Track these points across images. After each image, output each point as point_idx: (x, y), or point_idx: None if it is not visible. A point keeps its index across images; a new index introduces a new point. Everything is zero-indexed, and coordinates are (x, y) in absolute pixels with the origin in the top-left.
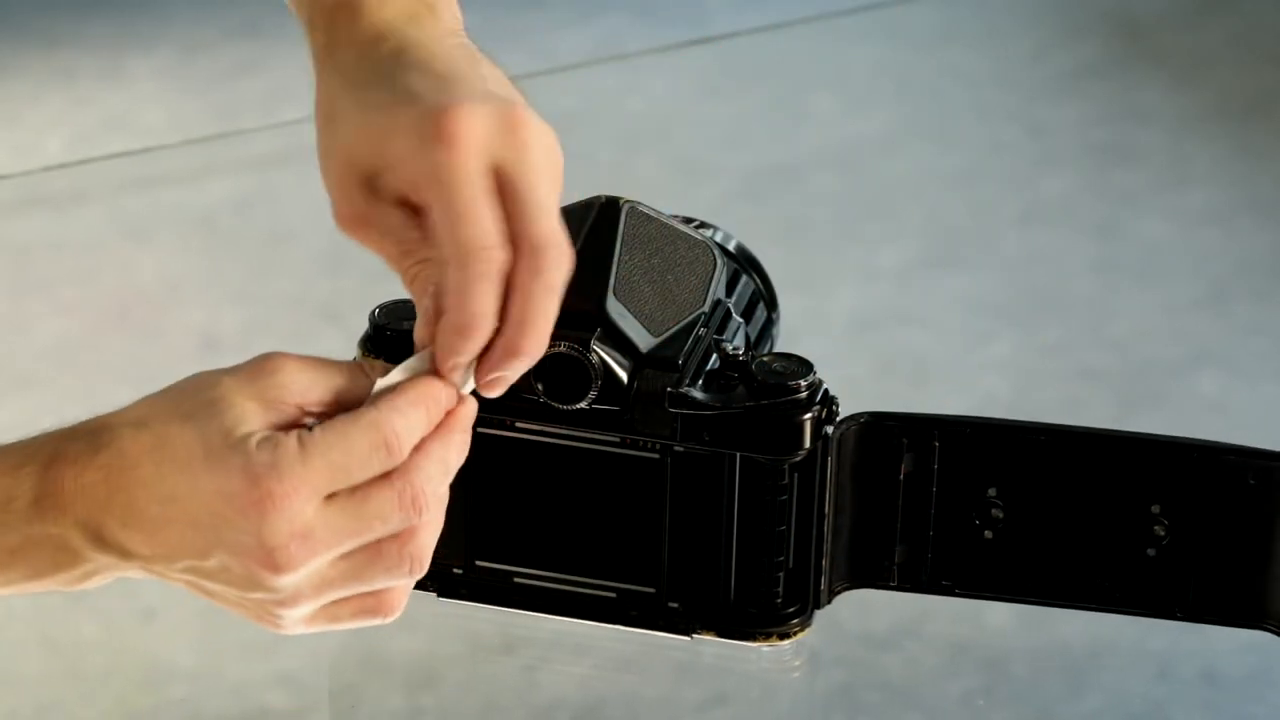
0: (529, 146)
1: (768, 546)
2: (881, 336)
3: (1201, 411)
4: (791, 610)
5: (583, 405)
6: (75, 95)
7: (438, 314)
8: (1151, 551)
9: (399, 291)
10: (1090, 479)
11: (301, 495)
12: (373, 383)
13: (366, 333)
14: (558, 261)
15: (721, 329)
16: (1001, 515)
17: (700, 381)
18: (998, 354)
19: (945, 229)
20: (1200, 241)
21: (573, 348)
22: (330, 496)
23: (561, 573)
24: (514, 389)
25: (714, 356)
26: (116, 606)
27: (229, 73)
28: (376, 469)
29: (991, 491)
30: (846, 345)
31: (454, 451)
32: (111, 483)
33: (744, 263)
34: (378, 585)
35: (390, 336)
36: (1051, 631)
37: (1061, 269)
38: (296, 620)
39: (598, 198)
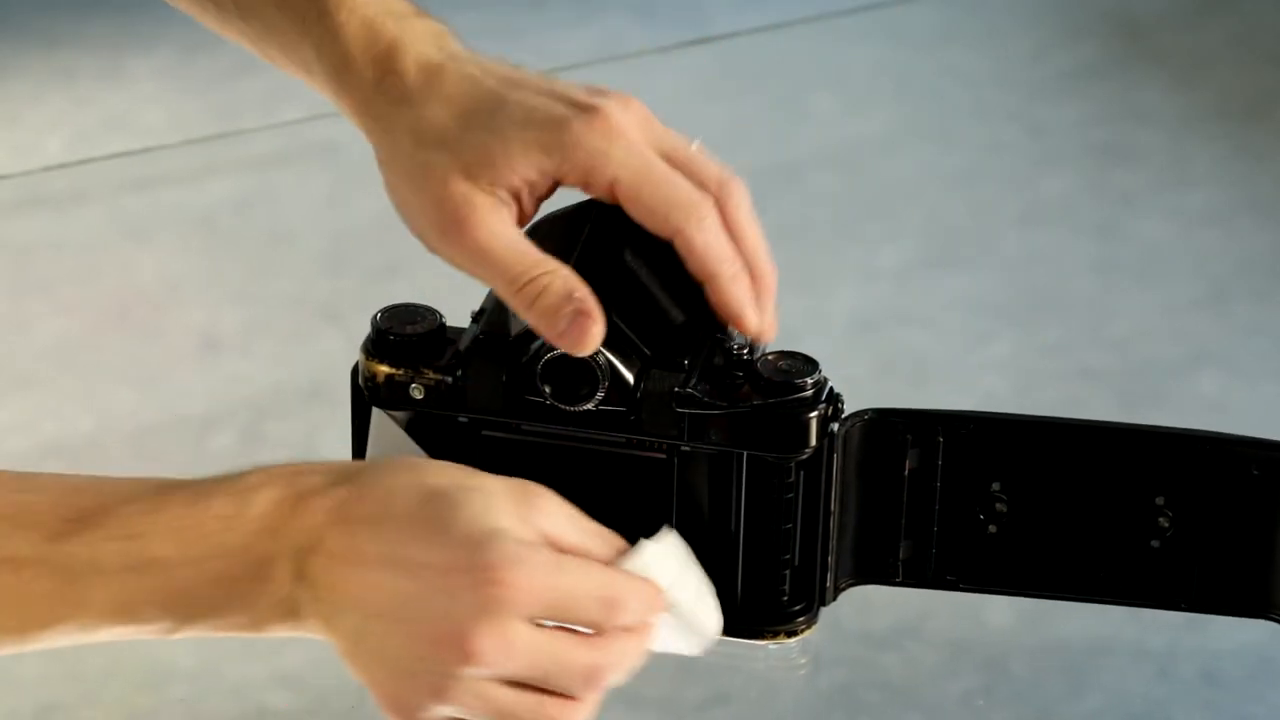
0: (653, 119)
1: (774, 545)
2: (881, 336)
3: (1201, 411)
4: (798, 608)
5: (589, 406)
6: (75, 95)
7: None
8: (1156, 543)
9: (399, 294)
10: (1094, 471)
11: (527, 601)
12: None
13: (369, 336)
14: (743, 191)
15: (725, 327)
16: (1005, 509)
17: (706, 381)
18: (998, 354)
19: (945, 229)
20: (1200, 241)
21: None
22: (539, 623)
23: None
24: (520, 391)
25: (718, 356)
26: None
27: (229, 73)
28: (592, 618)
29: (995, 486)
30: (847, 345)
31: (638, 656)
32: (341, 513)
33: None
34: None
35: (393, 341)
36: (1052, 630)
37: (1061, 269)
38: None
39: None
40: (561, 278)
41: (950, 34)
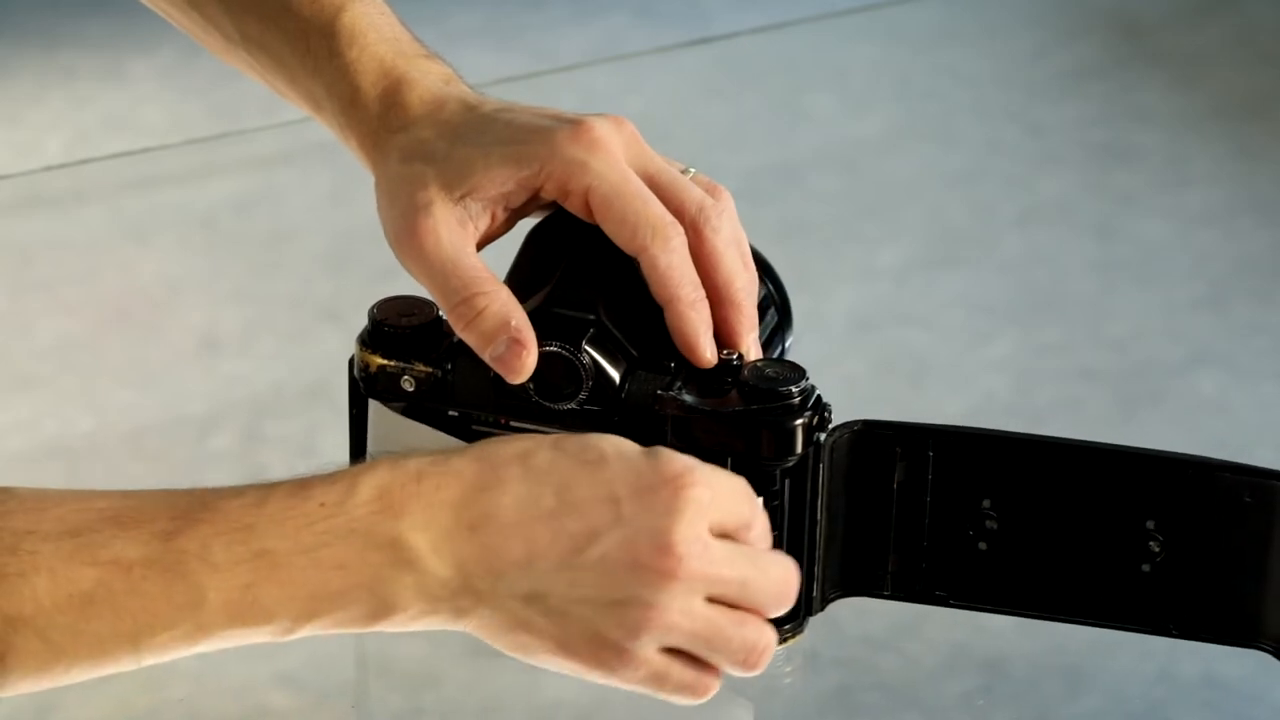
0: (641, 141)
1: None
2: (881, 336)
3: (1201, 411)
4: (783, 616)
5: (573, 406)
6: (75, 95)
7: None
8: (1146, 567)
9: (399, 290)
10: (1085, 492)
11: (717, 508)
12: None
13: (365, 329)
14: (726, 218)
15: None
16: (996, 527)
17: (692, 384)
18: (997, 354)
19: (945, 229)
20: (1199, 241)
21: (564, 348)
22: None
23: None
24: (508, 387)
25: None
26: None
27: (229, 73)
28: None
29: (986, 503)
30: (846, 345)
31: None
32: (473, 483)
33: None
34: (721, 655)
35: (389, 333)
36: (1051, 632)
37: (1061, 269)
38: (641, 656)
39: None
40: (500, 302)
41: (950, 34)
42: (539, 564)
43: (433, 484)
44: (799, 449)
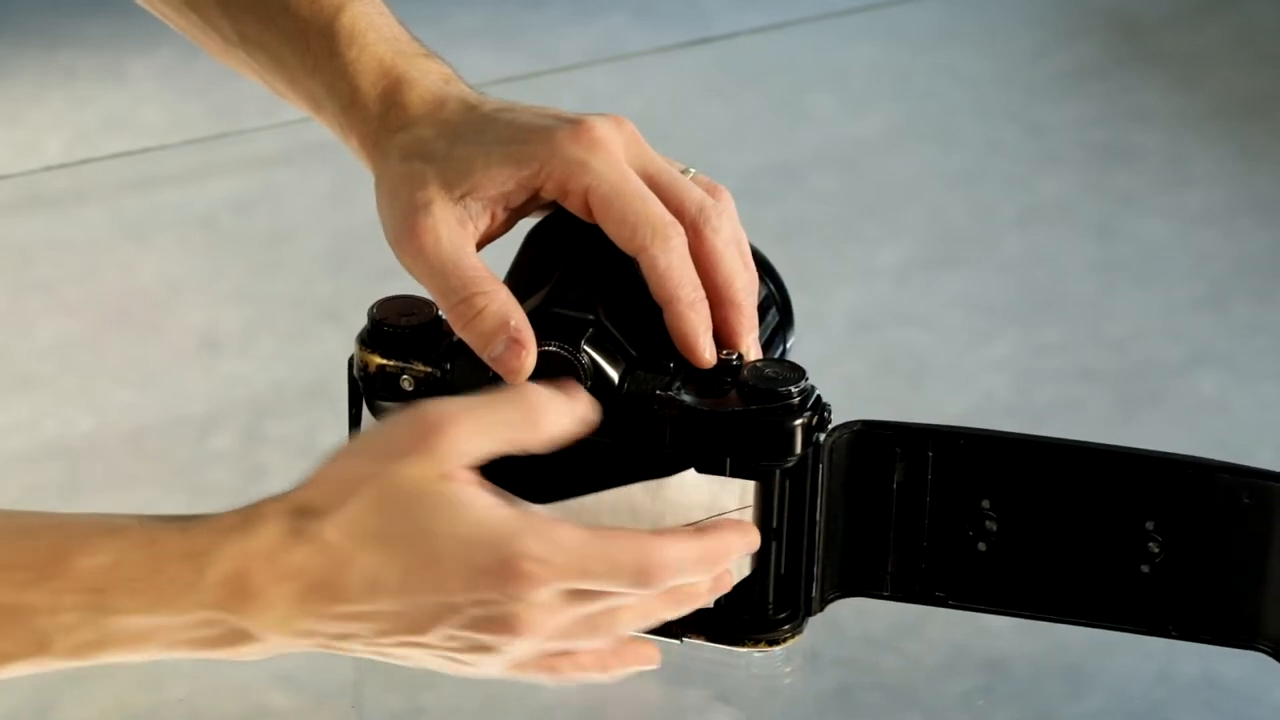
0: (642, 141)
1: (758, 552)
2: (881, 336)
3: (1201, 411)
4: (782, 616)
5: None
6: (75, 95)
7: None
8: (1145, 568)
9: (399, 290)
10: (1085, 493)
11: (551, 584)
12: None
13: (365, 328)
14: (726, 219)
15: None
16: (995, 527)
17: (691, 384)
18: (997, 354)
19: (945, 229)
20: (1199, 241)
21: (563, 348)
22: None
23: None
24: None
25: None
26: None
27: (229, 73)
28: (624, 590)
29: (985, 503)
30: (846, 345)
31: (699, 570)
32: (319, 574)
33: (757, 266)
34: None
35: (389, 333)
36: (1052, 631)
37: (1061, 269)
38: (504, 666)
39: None
40: (499, 301)
41: (950, 34)
42: (384, 640)
43: (279, 573)
44: (799, 449)
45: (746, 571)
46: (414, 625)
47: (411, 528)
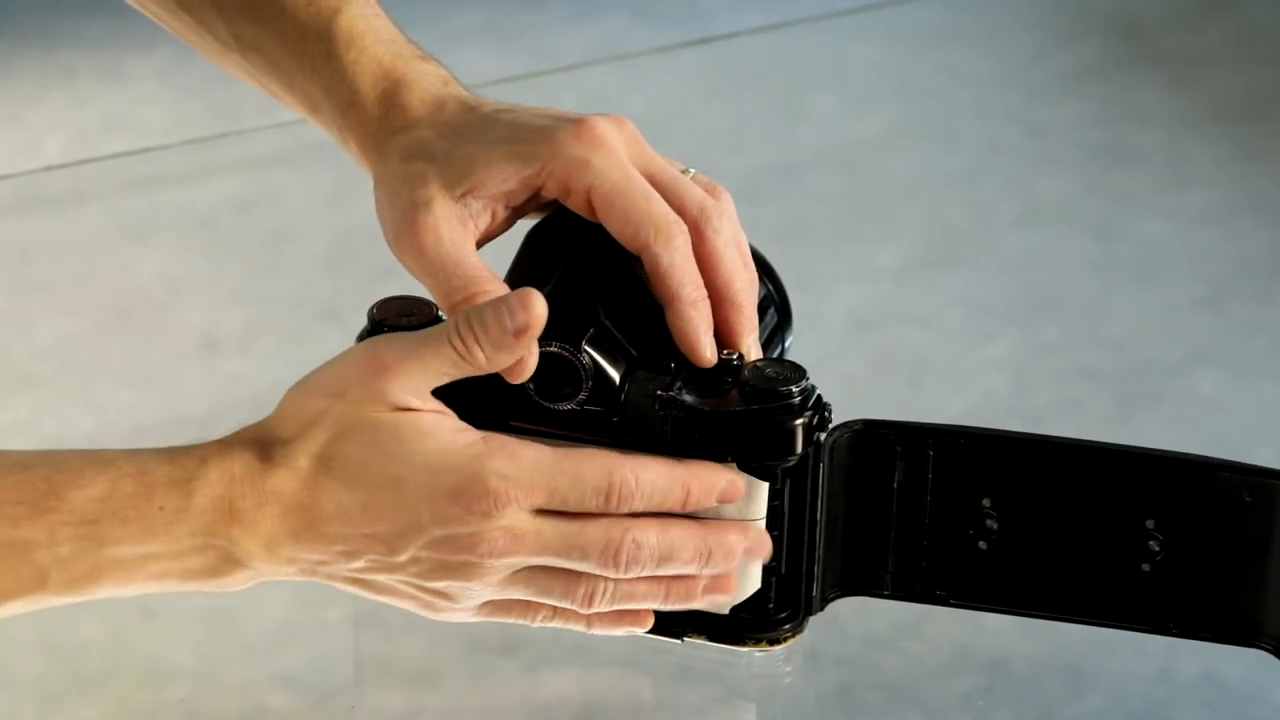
0: (642, 140)
1: None
2: (880, 336)
3: (1201, 411)
4: (783, 616)
5: (573, 406)
6: (75, 95)
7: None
8: (1146, 566)
9: (399, 290)
10: (1085, 491)
11: (519, 501)
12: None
13: (365, 328)
14: (727, 219)
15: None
16: (996, 526)
17: (692, 384)
18: (997, 354)
19: (944, 229)
20: (1199, 242)
21: (564, 348)
22: (544, 511)
23: None
24: (507, 386)
25: None
26: (116, 606)
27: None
28: (592, 508)
29: (986, 502)
30: (845, 345)
31: (687, 548)
32: (294, 499)
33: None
34: (551, 601)
35: (387, 332)
36: (1052, 631)
37: (1060, 269)
38: (467, 608)
39: None
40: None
41: (950, 34)
42: (357, 565)
43: (262, 495)
44: (799, 449)
45: (758, 585)
46: (385, 547)
47: (373, 455)
